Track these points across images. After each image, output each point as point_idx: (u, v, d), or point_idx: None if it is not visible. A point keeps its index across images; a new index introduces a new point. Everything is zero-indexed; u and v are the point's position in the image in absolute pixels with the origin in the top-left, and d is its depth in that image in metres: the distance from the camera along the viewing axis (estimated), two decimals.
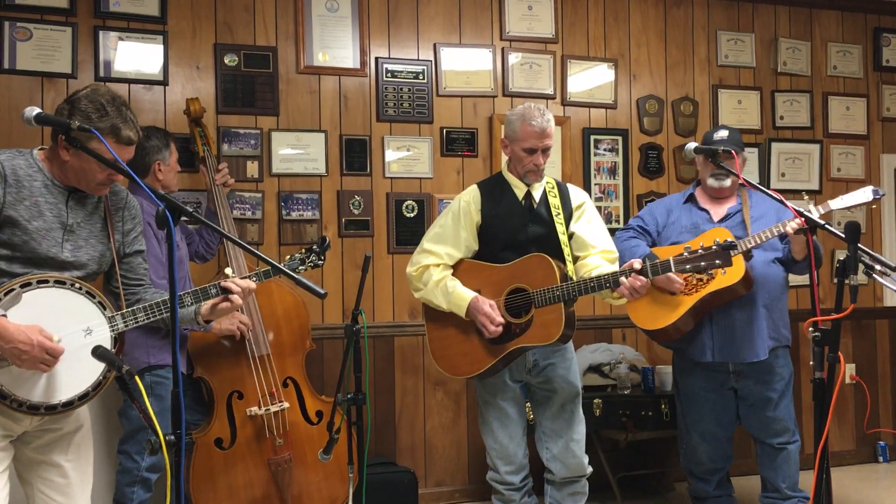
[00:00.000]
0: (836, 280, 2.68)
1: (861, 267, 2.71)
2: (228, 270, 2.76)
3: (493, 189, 3.65)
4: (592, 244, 3.57)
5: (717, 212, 4.07)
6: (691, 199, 4.15)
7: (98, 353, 2.44)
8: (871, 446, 5.73)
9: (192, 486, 3.74)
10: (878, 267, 2.95)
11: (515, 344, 3.47)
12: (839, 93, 5.79)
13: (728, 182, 4.02)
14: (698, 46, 5.51)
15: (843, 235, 2.72)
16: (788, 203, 3.06)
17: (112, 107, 2.54)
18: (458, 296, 3.52)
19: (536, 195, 3.61)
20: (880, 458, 5.70)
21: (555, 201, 3.59)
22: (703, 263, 3.22)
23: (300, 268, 3.01)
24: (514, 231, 3.57)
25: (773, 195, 3.31)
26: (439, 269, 3.60)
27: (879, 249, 5.78)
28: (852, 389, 5.69)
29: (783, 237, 3.87)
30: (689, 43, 5.49)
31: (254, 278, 2.77)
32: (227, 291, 2.67)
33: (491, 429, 3.63)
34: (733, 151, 3.65)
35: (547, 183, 3.64)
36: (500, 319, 3.45)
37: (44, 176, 2.57)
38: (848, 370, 5.61)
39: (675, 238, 4.04)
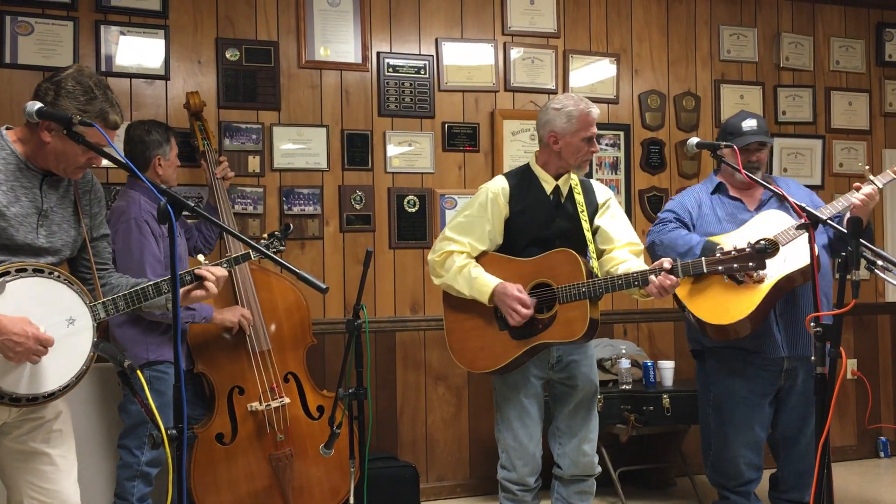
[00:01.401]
0: (837, 275, 2.67)
1: (863, 262, 2.69)
2: (200, 257, 2.70)
3: (521, 182, 3.55)
4: (617, 238, 3.50)
5: (750, 200, 3.93)
6: (719, 189, 4.00)
7: (100, 348, 2.42)
8: (873, 442, 5.73)
9: (193, 481, 3.74)
10: (879, 262, 2.94)
11: (538, 339, 3.39)
12: (841, 88, 5.78)
13: (759, 175, 3.85)
14: (700, 41, 5.50)
15: (844, 230, 2.71)
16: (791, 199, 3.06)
17: (99, 90, 2.46)
18: (482, 281, 3.42)
19: (564, 190, 3.53)
20: (881, 454, 5.70)
21: (579, 198, 3.52)
22: (735, 265, 3.15)
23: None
24: (541, 226, 3.48)
25: (772, 188, 3.31)
26: (463, 256, 3.50)
27: (881, 244, 5.77)
28: (854, 385, 5.69)
29: (838, 218, 3.73)
30: (692, 38, 5.48)
31: (224, 265, 2.71)
32: (200, 278, 2.61)
33: (511, 427, 3.51)
34: (734, 146, 3.54)
35: (571, 180, 3.56)
36: (531, 300, 3.36)
37: (17, 159, 2.47)
38: (849, 366, 5.61)
39: (713, 229, 3.87)
